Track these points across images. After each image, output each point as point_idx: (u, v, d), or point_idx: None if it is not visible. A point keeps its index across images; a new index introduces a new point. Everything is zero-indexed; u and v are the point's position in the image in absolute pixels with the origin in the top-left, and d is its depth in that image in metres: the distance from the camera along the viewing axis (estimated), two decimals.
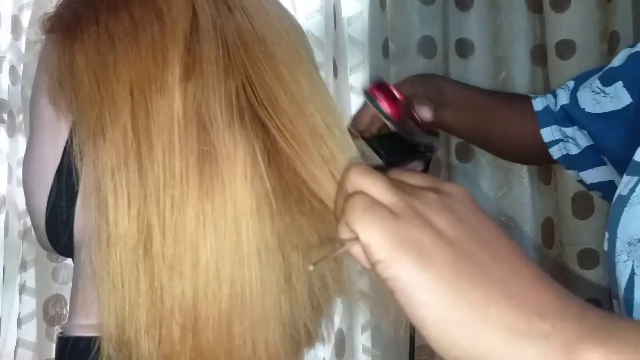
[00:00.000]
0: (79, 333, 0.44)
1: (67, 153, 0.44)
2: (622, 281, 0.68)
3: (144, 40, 0.42)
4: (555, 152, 0.91)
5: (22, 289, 1.33)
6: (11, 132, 1.35)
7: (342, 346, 1.32)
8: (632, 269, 0.67)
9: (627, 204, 0.70)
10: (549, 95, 0.91)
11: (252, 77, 0.42)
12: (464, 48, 1.38)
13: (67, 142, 0.44)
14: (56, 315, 1.33)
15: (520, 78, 1.36)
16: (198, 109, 0.41)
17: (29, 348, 1.33)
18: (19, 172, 1.34)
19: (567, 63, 1.34)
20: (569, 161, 0.90)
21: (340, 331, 1.32)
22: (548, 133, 0.90)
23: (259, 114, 0.42)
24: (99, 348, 0.41)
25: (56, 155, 0.45)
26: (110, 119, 0.41)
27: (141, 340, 0.40)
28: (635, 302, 0.66)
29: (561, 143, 0.90)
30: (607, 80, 0.80)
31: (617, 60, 0.80)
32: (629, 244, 0.68)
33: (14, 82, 1.34)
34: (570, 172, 0.92)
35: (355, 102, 1.40)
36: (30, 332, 1.32)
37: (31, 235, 1.31)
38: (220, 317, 0.40)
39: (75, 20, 0.44)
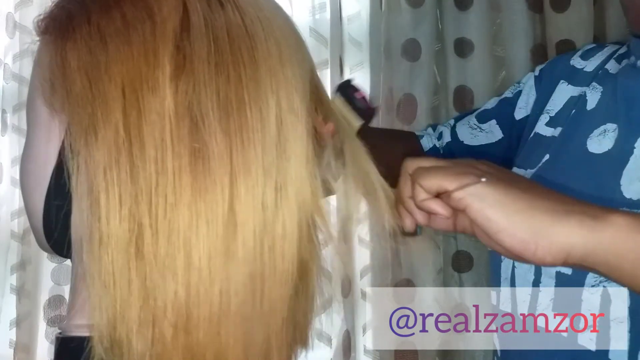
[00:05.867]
0: (78, 333, 0.44)
1: (62, 153, 0.43)
2: (507, 274, 0.78)
3: (136, 40, 0.42)
4: None
5: (21, 290, 1.32)
6: (3, 130, 1.34)
7: (346, 347, 1.31)
8: (513, 263, 0.77)
9: None
10: (433, 134, 1.00)
11: (232, 73, 0.42)
12: (463, 48, 1.37)
13: (62, 142, 0.44)
14: (56, 316, 1.32)
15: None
16: (190, 107, 0.41)
17: (26, 349, 1.31)
18: (12, 172, 1.32)
19: None
20: None
21: (344, 332, 1.31)
22: None
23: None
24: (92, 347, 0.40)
25: (52, 155, 0.45)
26: (102, 118, 0.40)
27: (133, 339, 0.40)
28: (517, 290, 0.75)
29: None
30: (483, 118, 0.96)
31: (489, 104, 0.98)
32: None
33: (7, 80, 1.33)
34: None
35: None
36: (28, 333, 1.31)
37: (29, 236, 1.30)
38: (211, 316, 0.40)
39: (68, 20, 0.44)
